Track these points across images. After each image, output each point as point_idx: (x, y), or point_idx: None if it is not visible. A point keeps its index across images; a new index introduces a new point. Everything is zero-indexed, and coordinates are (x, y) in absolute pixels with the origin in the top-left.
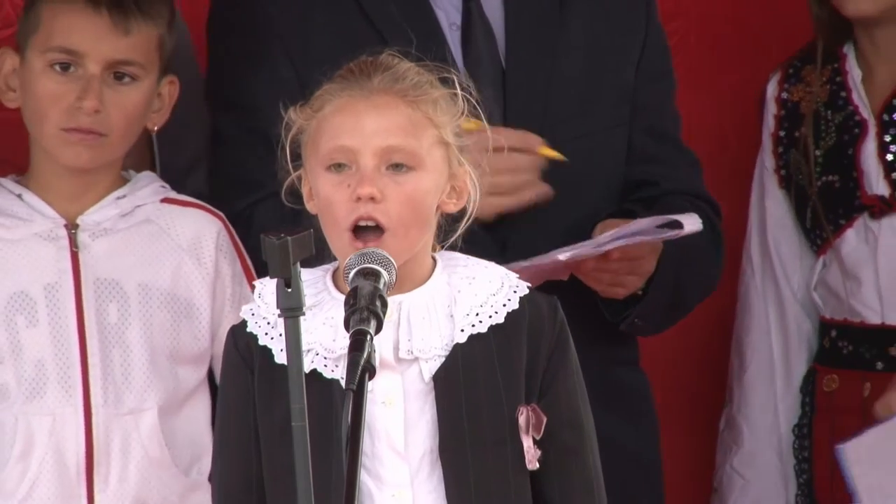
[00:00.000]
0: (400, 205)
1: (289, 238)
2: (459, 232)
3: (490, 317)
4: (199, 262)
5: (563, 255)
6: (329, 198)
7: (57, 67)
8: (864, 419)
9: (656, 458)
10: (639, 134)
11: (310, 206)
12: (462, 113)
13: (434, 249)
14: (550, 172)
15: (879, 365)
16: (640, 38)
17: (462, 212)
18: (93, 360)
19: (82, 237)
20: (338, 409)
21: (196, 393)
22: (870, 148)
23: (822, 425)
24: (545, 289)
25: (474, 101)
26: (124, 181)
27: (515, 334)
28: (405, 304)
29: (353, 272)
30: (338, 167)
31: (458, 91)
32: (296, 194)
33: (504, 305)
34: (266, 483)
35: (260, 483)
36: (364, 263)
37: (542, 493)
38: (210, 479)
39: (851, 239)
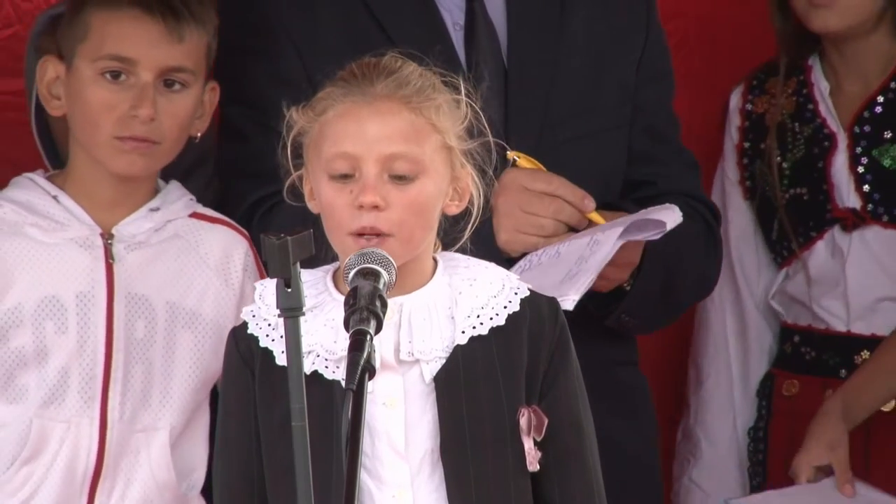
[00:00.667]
0: (403, 210)
1: (289, 238)
2: (467, 235)
3: (491, 318)
4: (226, 283)
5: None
6: (331, 202)
7: (108, 76)
8: None
9: (654, 459)
10: (637, 134)
11: (311, 206)
12: (466, 117)
13: (435, 249)
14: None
15: (843, 372)
16: (640, 39)
17: (463, 212)
18: (115, 375)
19: (118, 248)
20: (339, 410)
21: (198, 411)
22: (840, 161)
23: (780, 429)
24: None
25: (477, 108)
26: (156, 190)
27: (516, 336)
28: (406, 306)
29: (352, 272)
30: (342, 178)
31: (462, 98)
32: (296, 192)
33: (505, 307)
34: (267, 484)
35: (261, 483)
36: (364, 263)
37: (542, 494)
38: (203, 491)
39: (821, 251)
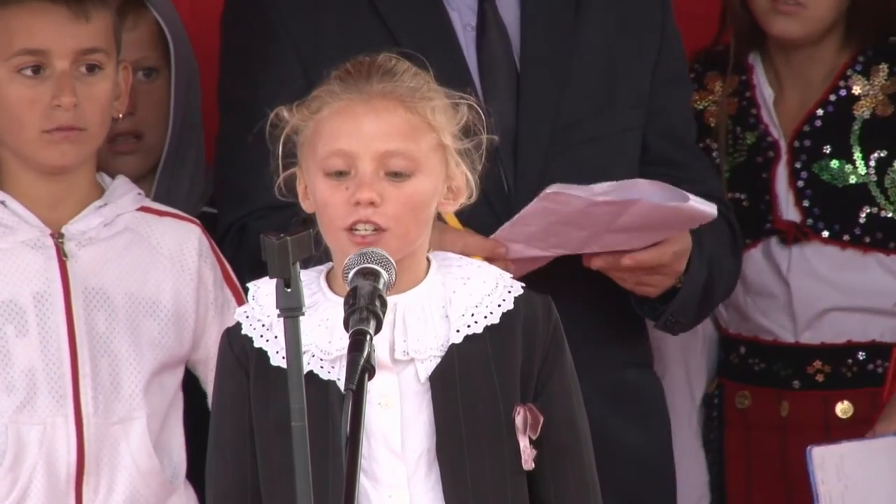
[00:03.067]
0: (399, 206)
1: (288, 238)
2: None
3: (485, 317)
4: (181, 269)
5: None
6: (326, 200)
7: (28, 72)
8: (785, 437)
9: (668, 461)
10: (655, 138)
11: (305, 205)
12: (462, 118)
13: (429, 249)
14: (560, 175)
15: (797, 384)
16: (655, 43)
17: None
18: (83, 370)
19: (70, 246)
20: (334, 410)
21: (175, 398)
22: (781, 172)
23: (735, 441)
24: (555, 286)
25: (477, 108)
26: (100, 186)
27: (510, 334)
28: (400, 305)
29: (352, 272)
30: (337, 175)
31: (459, 101)
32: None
33: (499, 306)
34: (262, 484)
35: (255, 484)
36: (363, 263)
37: (537, 493)
38: (189, 477)
39: (757, 259)
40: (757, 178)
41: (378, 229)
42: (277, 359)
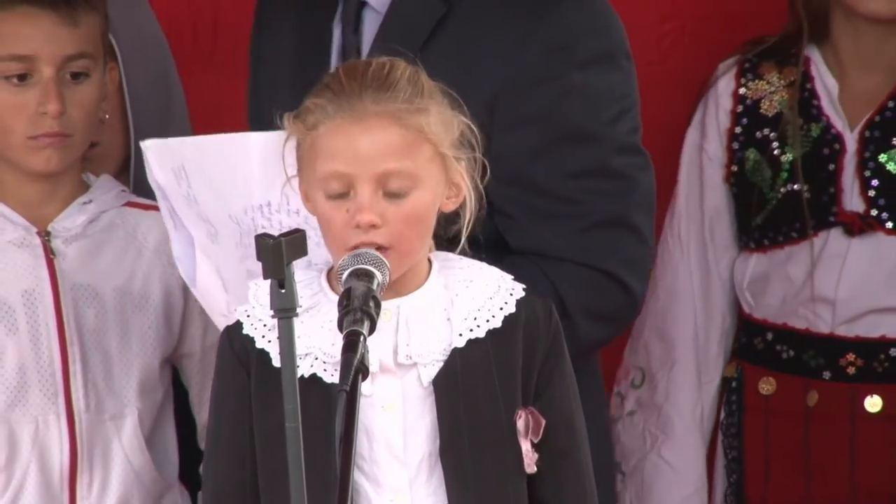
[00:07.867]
0: (400, 224)
1: (282, 239)
2: (465, 237)
3: (487, 321)
4: (168, 262)
5: None
6: (329, 219)
7: (14, 80)
8: (809, 426)
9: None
10: (492, 185)
11: (307, 207)
12: (459, 125)
13: (429, 250)
14: None
15: (827, 374)
16: (497, 81)
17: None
18: (74, 367)
19: (56, 244)
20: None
21: (166, 393)
22: (849, 164)
23: (755, 426)
24: None
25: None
26: (84, 184)
27: (512, 337)
28: (403, 308)
29: (346, 273)
30: (338, 196)
31: (453, 110)
32: None
33: (501, 309)
34: (261, 485)
35: (253, 484)
36: (357, 264)
37: (535, 495)
38: (181, 478)
39: (810, 250)
40: (822, 170)
41: (381, 248)
42: (279, 360)
